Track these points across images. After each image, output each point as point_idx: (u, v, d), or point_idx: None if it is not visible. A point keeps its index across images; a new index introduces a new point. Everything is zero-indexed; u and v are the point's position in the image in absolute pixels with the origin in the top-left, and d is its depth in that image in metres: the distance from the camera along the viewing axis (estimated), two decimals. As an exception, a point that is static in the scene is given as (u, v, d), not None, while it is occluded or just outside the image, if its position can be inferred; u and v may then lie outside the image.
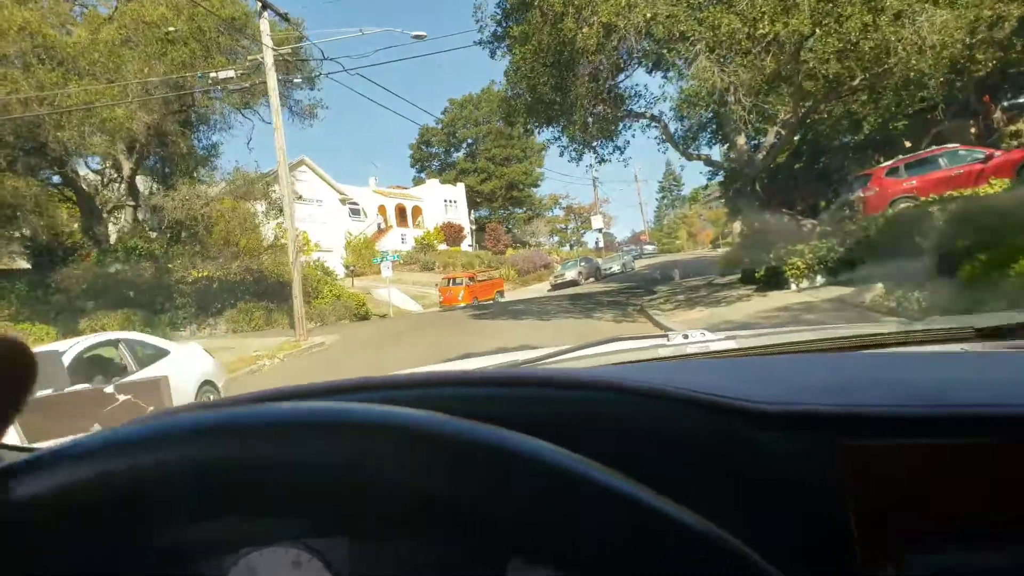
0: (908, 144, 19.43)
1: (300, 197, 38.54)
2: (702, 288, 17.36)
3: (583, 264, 35.25)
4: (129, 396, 0.87)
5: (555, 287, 33.72)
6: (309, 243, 31.84)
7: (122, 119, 17.96)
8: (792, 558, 0.56)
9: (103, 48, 18.62)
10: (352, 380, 0.68)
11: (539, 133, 14.92)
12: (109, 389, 0.92)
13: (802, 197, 20.35)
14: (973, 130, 17.97)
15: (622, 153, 16.70)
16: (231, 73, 19.40)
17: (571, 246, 67.34)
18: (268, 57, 16.33)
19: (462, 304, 26.74)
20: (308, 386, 0.67)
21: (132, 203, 25.16)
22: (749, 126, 12.92)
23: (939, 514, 0.58)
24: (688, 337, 1.26)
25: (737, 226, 22.32)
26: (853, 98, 13.15)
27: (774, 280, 12.58)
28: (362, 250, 39.54)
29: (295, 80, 22.83)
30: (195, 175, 23.40)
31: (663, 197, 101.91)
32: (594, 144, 15.08)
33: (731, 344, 1.18)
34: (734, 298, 12.94)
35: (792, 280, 12.11)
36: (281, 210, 26.52)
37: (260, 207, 26.73)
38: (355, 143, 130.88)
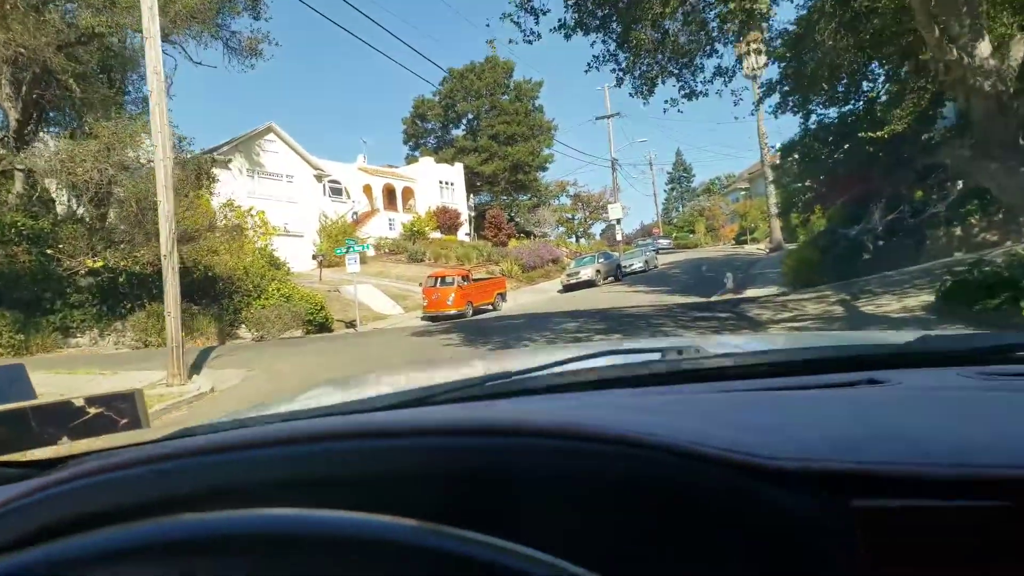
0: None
1: (261, 169, 32.65)
2: (808, 302, 11.20)
3: (601, 260, 29.72)
4: (101, 409, 0.80)
5: (568, 287, 28.43)
6: (267, 225, 25.74)
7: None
8: None
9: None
10: (217, 440, 0.70)
11: (589, 41, 8.81)
12: (79, 402, 0.84)
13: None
14: None
15: (728, 81, 10.73)
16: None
17: (577, 238, 62.36)
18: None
19: (452, 310, 20.86)
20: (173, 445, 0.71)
21: (20, 167, 18.83)
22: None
23: None
24: (682, 353, 1.22)
25: (775, 222, 16.15)
26: None
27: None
28: (340, 236, 33.78)
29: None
30: (85, 126, 17.12)
31: (672, 188, 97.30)
32: (675, 65, 8.91)
33: (728, 361, 1.15)
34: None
35: None
36: (208, 180, 20.46)
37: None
38: (341, 113, 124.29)
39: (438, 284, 22.03)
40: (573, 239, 59.47)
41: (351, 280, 29.13)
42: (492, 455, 0.67)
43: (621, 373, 1.12)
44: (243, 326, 18.78)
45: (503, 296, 24.14)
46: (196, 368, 11.65)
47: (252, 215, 25.46)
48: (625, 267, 32.21)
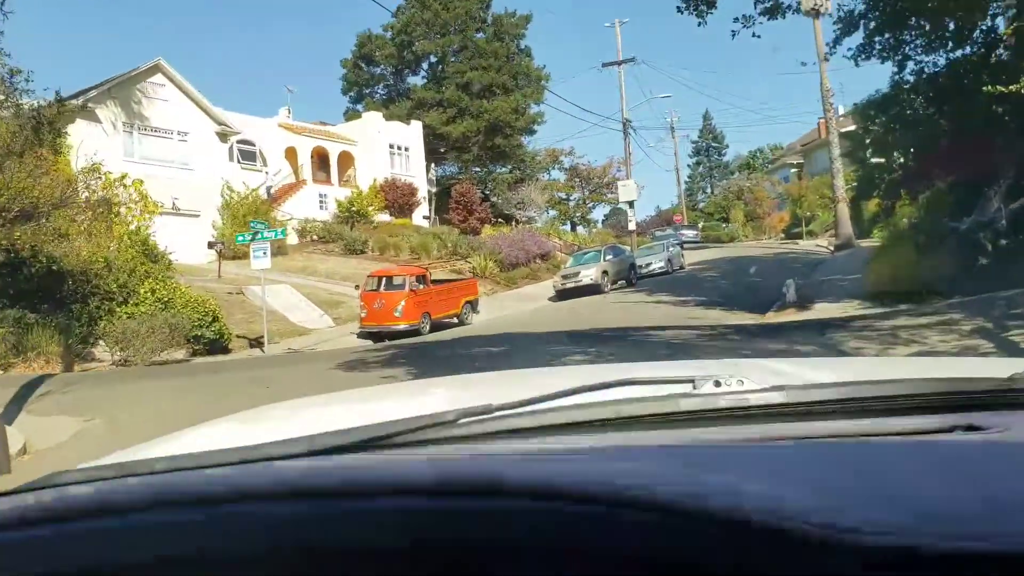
0: None
1: (144, 123, 31.07)
2: (928, 329, 10.05)
3: (609, 258, 28.84)
4: None
5: (563, 293, 27.88)
6: (146, 199, 24.32)
7: None
8: None
9: None
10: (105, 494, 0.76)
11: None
12: None
13: None
14: None
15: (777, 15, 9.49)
16: None
17: (573, 225, 61.69)
18: None
19: (401, 324, 19.60)
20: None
21: None
22: None
23: None
24: (721, 385, 1.22)
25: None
26: None
27: None
28: (250, 216, 32.27)
29: None
30: None
31: (697, 162, 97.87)
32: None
33: (779, 396, 1.16)
34: None
35: None
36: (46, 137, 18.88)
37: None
38: (257, 52, 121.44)
39: (382, 287, 20.66)
40: (568, 227, 58.97)
41: (261, 278, 27.82)
42: (493, 524, 0.68)
43: (641, 410, 1.13)
44: (101, 343, 17.29)
45: (474, 305, 22.84)
46: (10, 412, 10.15)
47: (125, 185, 24.02)
48: (641, 267, 31.34)
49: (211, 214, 32.44)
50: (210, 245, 27.46)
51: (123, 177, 24.02)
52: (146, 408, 10.43)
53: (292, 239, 35.94)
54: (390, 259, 32.45)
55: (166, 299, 17.98)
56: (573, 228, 60.30)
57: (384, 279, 20.90)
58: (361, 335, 20.54)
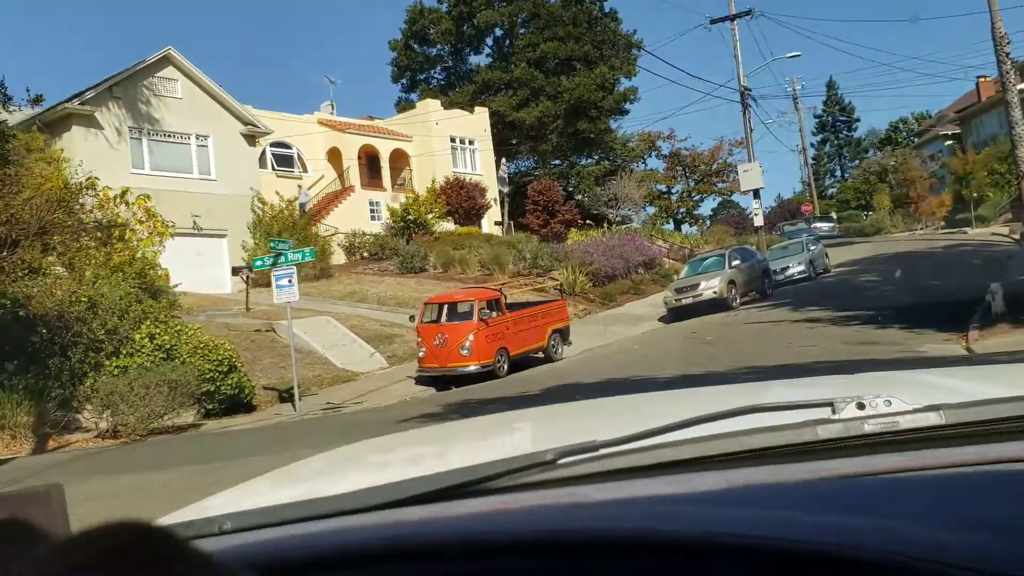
0: None
1: (154, 125, 29.82)
2: None
3: (736, 263, 26.57)
4: (11, 513, 0.77)
5: (676, 312, 25.49)
6: (155, 218, 23.00)
7: None
8: None
9: None
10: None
11: None
12: None
13: None
14: None
15: None
16: None
17: (676, 222, 59.44)
18: None
19: (470, 365, 17.47)
20: None
21: None
22: None
23: None
24: (865, 407, 1.22)
25: None
26: None
27: None
28: (285, 233, 30.86)
29: None
30: None
31: (823, 141, 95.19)
32: None
33: (934, 418, 1.17)
34: None
35: None
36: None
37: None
38: (292, 43, 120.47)
39: (444, 317, 18.45)
40: (670, 225, 56.63)
41: (287, 313, 26.12)
42: None
43: (772, 441, 1.14)
44: (88, 406, 15.52)
45: (564, 335, 20.44)
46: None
47: (128, 202, 22.64)
48: (775, 272, 29.26)
49: (240, 232, 31.01)
50: (235, 271, 25.82)
51: (124, 193, 22.58)
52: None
53: (338, 257, 34.51)
54: (455, 277, 30.46)
55: (169, 346, 16.16)
56: (677, 227, 58.88)
57: (446, 307, 18.66)
58: (420, 380, 18.37)
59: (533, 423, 2.23)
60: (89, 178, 22.53)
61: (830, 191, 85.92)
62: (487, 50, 50.83)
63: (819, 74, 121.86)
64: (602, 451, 1.11)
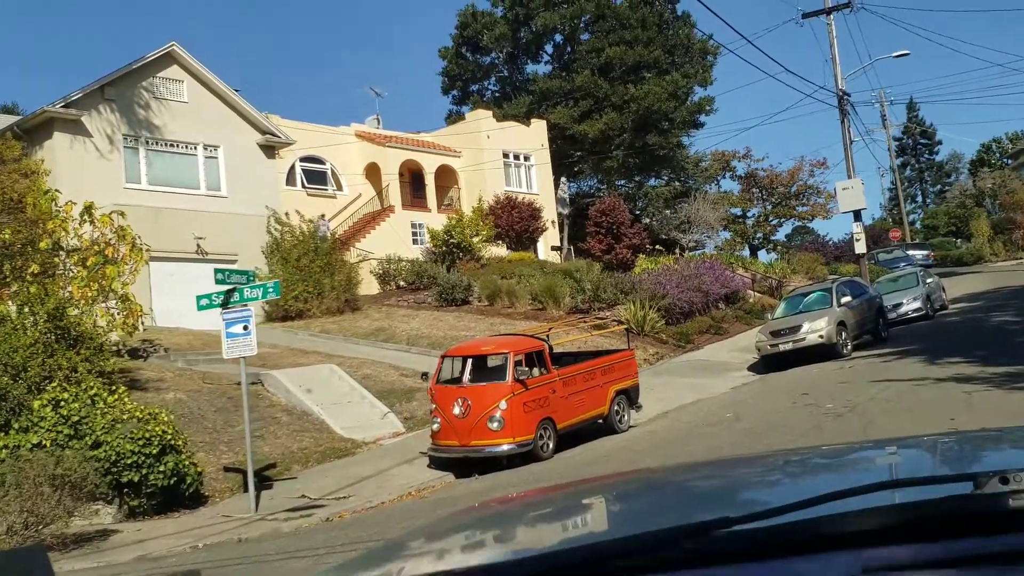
0: None
1: (155, 133, 25.76)
2: None
3: (845, 300, 22.17)
4: None
5: (772, 360, 21.02)
6: (133, 243, 19.06)
7: None
8: None
9: None
10: None
11: None
12: None
13: None
14: None
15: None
16: None
17: (753, 248, 55.08)
18: None
19: (501, 444, 12.70)
20: None
21: None
22: None
23: None
24: (1010, 480, 1.15)
25: None
26: None
27: None
28: (305, 259, 26.77)
29: None
30: None
31: (903, 165, 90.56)
32: None
33: None
34: None
35: None
36: None
37: None
38: (332, 54, 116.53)
39: (467, 376, 13.49)
40: (745, 252, 52.50)
41: (315, 351, 21.64)
42: None
43: (913, 515, 1.14)
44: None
45: (631, 397, 15.34)
46: None
47: (93, 221, 18.72)
48: (888, 310, 24.63)
49: (253, 257, 26.71)
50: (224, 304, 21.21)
51: (89, 207, 18.43)
52: None
53: (371, 287, 30.19)
54: (501, 312, 25.72)
55: (77, 418, 11.51)
56: (753, 253, 54.67)
57: (470, 361, 13.63)
58: (435, 462, 13.44)
59: (635, 491, 2.19)
60: (48, 192, 18.70)
61: (911, 216, 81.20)
62: (546, 57, 48.22)
63: (919, 77, 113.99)
64: (736, 527, 1.12)
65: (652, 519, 1.61)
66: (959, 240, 60.06)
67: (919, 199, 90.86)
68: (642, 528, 1.19)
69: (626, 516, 1.89)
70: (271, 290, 12.54)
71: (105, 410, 11.92)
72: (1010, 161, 73.02)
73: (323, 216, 33.09)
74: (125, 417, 11.89)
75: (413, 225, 36.24)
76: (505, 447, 12.81)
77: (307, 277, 26.66)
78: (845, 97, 30.70)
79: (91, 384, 12.21)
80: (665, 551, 1.09)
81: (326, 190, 36.05)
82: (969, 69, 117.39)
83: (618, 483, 2.35)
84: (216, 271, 11.96)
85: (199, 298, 12.17)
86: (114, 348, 20.93)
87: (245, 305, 11.69)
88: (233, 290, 11.75)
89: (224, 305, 11.77)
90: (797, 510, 1.16)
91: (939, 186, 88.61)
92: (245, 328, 11.48)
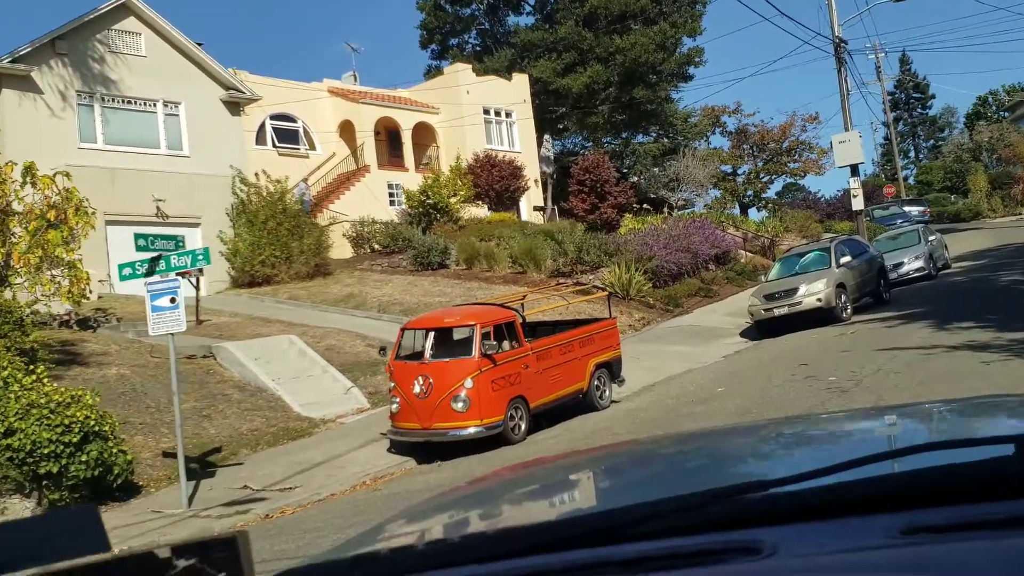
0: None
1: (110, 88, 24.33)
2: None
3: (845, 260, 21.04)
4: (193, 560, 0.98)
5: (765, 325, 19.85)
6: (80, 206, 17.48)
7: None
8: None
9: None
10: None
11: None
12: (165, 552, 1.02)
13: None
14: None
15: None
16: None
17: (743, 207, 54.37)
18: None
19: (467, 427, 11.44)
20: None
21: None
22: None
23: None
24: None
25: None
26: None
27: None
28: (271, 221, 25.48)
29: None
30: None
31: (896, 120, 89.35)
32: None
33: None
34: None
35: None
36: None
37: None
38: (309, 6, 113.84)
39: (429, 351, 12.19)
40: (735, 210, 51.58)
41: (278, 320, 20.46)
42: None
43: (953, 477, 1.12)
44: None
45: (613, 371, 14.07)
46: None
47: (34, 182, 17.27)
48: (889, 270, 23.39)
49: (218, 220, 25.40)
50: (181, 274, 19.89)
51: (29, 167, 16.97)
52: None
53: (344, 250, 28.84)
54: (480, 276, 24.48)
55: (35, 401, 10.26)
56: (743, 211, 53.82)
57: (432, 335, 12.32)
58: (395, 446, 12.22)
59: (659, 458, 2.17)
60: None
61: (904, 172, 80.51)
62: (528, 8, 46.83)
63: (916, 22, 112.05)
64: (772, 490, 1.13)
65: (669, 486, 1.57)
66: (955, 196, 59.24)
67: (912, 154, 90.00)
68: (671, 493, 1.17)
69: (649, 482, 1.80)
70: (200, 257, 11.20)
71: (20, 393, 10.63)
72: (1008, 114, 71.99)
73: (305, 180, 31.62)
74: (43, 401, 10.63)
75: (390, 186, 34.76)
76: (471, 430, 11.54)
77: (275, 240, 25.33)
78: (842, 45, 29.31)
79: (3, 363, 10.89)
80: (698, 515, 1.07)
81: (298, 149, 34.51)
82: (971, 14, 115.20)
83: (629, 450, 2.34)
84: (136, 236, 10.72)
85: (121, 267, 10.87)
86: (64, 319, 19.81)
87: (173, 275, 10.36)
88: (158, 257, 10.42)
89: (149, 274, 10.43)
90: (834, 472, 1.13)
91: (932, 141, 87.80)
92: (173, 301, 10.12)
